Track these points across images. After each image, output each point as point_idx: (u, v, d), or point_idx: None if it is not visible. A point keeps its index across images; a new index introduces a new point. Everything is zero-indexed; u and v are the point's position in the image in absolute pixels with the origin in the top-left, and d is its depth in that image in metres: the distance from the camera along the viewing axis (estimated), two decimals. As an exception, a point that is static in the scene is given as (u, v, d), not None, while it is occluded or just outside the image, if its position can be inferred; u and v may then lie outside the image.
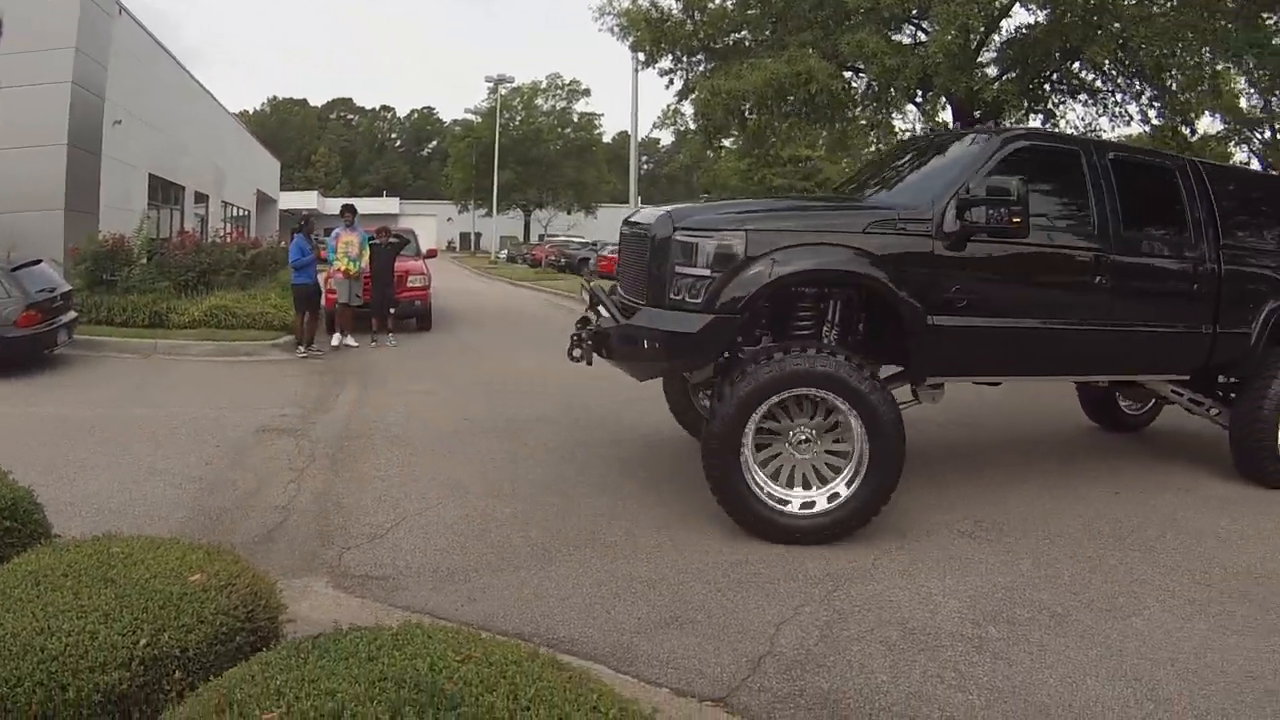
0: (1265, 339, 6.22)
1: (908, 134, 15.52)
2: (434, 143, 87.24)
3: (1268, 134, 24.95)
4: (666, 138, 69.24)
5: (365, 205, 29.17)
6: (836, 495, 4.74)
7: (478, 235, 63.91)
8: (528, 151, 54.97)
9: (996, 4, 13.80)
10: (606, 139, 66.39)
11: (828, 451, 4.82)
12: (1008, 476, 6.26)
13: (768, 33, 15.16)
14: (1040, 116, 16.90)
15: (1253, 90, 21.32)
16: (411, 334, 13.26)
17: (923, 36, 14.96)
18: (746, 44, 15.45)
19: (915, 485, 5.77)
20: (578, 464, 6.21)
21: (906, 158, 6.48)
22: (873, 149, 18.66)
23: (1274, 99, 23.86)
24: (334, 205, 38.77)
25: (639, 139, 26.86)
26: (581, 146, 58.19)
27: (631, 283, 5.38)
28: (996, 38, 15.08)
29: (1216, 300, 6.03)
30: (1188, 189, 6.11)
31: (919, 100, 15.13)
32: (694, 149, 22.58)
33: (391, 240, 12.40)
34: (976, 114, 15.73)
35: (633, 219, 5.70)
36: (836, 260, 4.82)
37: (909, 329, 4.96)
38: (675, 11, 15.68)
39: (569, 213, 57.62)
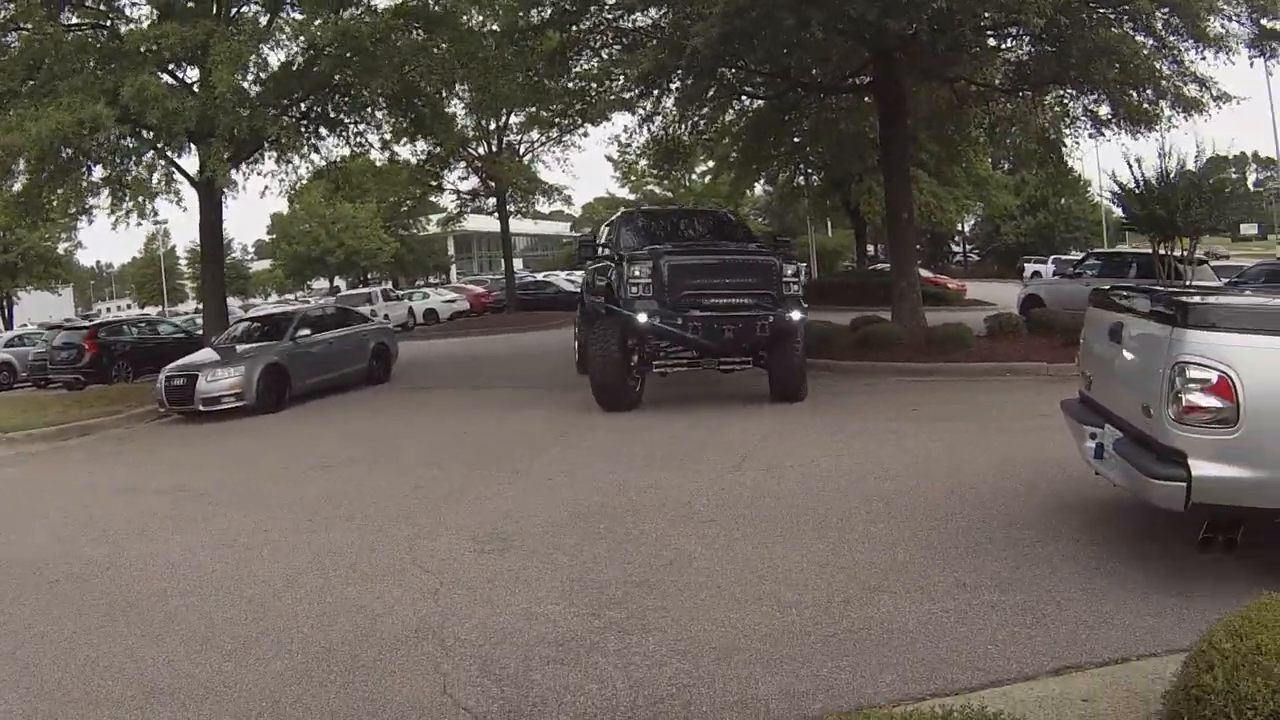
0: None
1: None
2: None
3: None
4: None
5: None
6: None
7: None
8: None
9: (268, 40, 14.81)
10: None
11: None
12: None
13: (16, 83, 13.19)
14: (310, 149, 18.47)
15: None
16: None
17: (194, 76, 14.99)
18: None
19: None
20: (128, 621, 4.53)
21: None
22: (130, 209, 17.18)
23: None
24: None
25: None
26: None
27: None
28: (262, 74, 15.82)
29: None
30: None
31: (197, 143, 15.03)
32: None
33: None
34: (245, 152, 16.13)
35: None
36: None
37: None
38: None
39: None
